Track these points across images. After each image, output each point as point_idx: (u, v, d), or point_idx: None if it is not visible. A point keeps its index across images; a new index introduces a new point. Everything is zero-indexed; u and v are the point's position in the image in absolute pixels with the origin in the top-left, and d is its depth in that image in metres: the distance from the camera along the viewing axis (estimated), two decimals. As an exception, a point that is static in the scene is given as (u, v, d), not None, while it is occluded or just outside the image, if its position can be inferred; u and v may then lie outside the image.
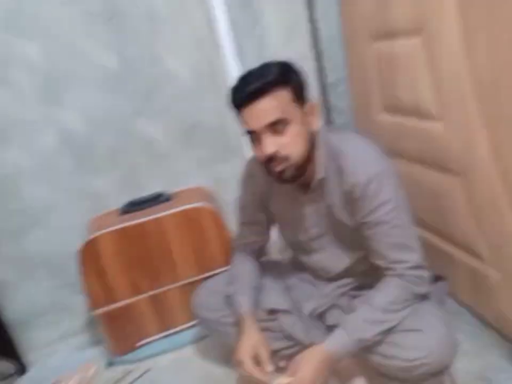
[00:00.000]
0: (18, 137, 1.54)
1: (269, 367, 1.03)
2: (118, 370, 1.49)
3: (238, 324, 1.15)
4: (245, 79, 0.96)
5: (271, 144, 0.95)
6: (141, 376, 1.43)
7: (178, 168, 1.74)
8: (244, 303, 1.16)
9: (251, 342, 1.07)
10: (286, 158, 0.97)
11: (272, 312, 1.20)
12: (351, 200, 1.02)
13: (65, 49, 1.52)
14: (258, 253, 1.31)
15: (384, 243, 1.00)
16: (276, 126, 0.95)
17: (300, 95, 0.98)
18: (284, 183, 1.04)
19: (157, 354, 1.52)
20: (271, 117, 0.94)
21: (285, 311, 1.19)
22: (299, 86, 0.99)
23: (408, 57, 1.27)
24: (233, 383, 1.26)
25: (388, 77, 1.41)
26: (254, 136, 0.98)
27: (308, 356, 0.99)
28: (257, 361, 1.05)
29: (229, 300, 1.21)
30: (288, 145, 0.96)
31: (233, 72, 1.61)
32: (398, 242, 1.00)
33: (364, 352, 1.01)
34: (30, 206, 1.61)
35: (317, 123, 1.02)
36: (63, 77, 1.54)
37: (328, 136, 1.08)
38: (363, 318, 0.98)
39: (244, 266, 1.27)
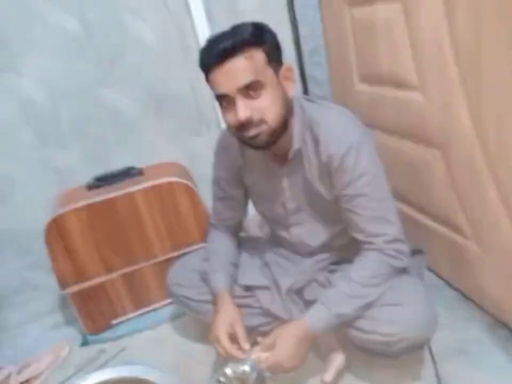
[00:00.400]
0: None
1: (246, 345, 1.01)
2: (93, 349, 1.45)
3: (214, 301, 1.12)
4: (216, 38, 0.90)
5: (245, 109, 0.89)
6: (116, 355, 1.40)
7: (148, 142, 1.67)
8: (220, 280, 1.13)
9: (227, 319, 1.05)
10: (260, 122, 0.92)
11: (250, 288, 1.18)
12: (328, 172, 0.99)
13: (20, 10, 1.39)
14: (235, 229, 1.27)
15: (363, 216, 0.98)
16: (250, 89, 0.89)
17: (274, 58, 0.92)
18: (257, 149, 1.00)
19: (133, 332, 1.49)
20: (245, 79, 0.88)
21: (263, 287, 1.17)
22: (274, 47, 0.93)
23: (387, 23, 1.22)
24: (211, 361, 1.25)
25: (366, 44, 1.35)
26: (226, 100, 0.92)
27: (287, 330, 0.97)
28: (233, 338, 1.03)
29: (205, 277, 1.18)
30: (263, 109, 0.91)
31: (204, 37, 1.51)
32: (377, 216, 0.97)
33: (343, 327, 1.00)
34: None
35: (293, 89, 0.97)
36: (17, 41, 1.42)
37: (303, 104, 1.03)
38: (342, 293, 0.97)
39: (220, 243, 1.23)
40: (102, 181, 1.50)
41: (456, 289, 1.33)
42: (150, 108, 1.62)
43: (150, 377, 0.99)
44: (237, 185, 1.19)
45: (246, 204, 1.25)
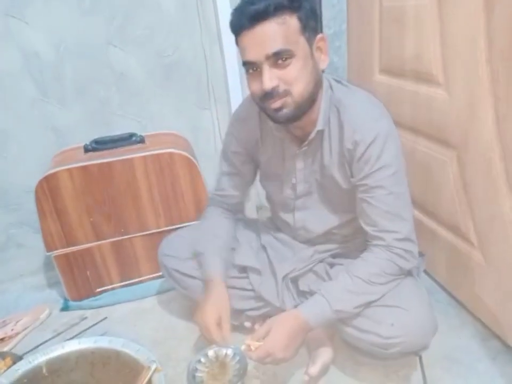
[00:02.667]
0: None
1: (228, 337, 0.99)
2: (74, 315, 1.41)
3: (206, 283, 1.09)
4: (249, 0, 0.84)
5: (271, 78, 0.84)
6: (96, 324, 1.36)
7: (153, 110, 1.60)
8: (215, 264, 1.09)
9: (216, 306, 1.02)
10: (286, 94, 0.87)
11: (244, 269, 1.15)
12: (350, 159, 0.95)
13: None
14: (235, 208, 1.23)
15: (378, 209, 0.94)
16: (279, 58, 0.84)
17: (309, 26, 0.86)
18: (279, 123, 0.95)
19: (116, 303, 1.45)
20: (275, 46, 0.82)
21: (256, 270, 1.13)
22: (310, 14, 0.86)
23: (418, 13, 1.16)
24: (193, 339, 1.22)
25: (392, 34, 1.29)
26: (252, 67, 0.87)
27: (282, 320, 0.93)
28: (219, 324, 1.00)
29: (199, 257, 1.14)
30: (290, 80, 0.86)
31: (224, 5, 1.45)
32: (391, 211, 0.93)
33: (338, 323, 0.96)
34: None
35: (325, 61, 0.91)
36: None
37: (332, 84, 0.98)
38: (345, 288, 0.93)
39: (219, 223, 1.19)
40: (101, 145, 1.43)
41: (450, 295, 1.30)
42: (158, 74, 1.56)
43: (127, 351, 0.96)
44: (248, 161, 1.14)
45: (251, 184, 1.21)
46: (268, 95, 0.87)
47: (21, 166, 1.52)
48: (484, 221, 1.08)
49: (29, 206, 1.36)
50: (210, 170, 1.23)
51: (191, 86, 1.60)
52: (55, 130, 1.53)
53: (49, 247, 1.39)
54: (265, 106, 0.91)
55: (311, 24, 0.87)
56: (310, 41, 0.87)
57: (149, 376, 0.88)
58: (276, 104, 0.88)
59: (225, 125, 1.17)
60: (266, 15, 0.81)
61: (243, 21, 0.83)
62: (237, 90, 1.59)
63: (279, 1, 0.81)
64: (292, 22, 0.83)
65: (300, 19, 0.84)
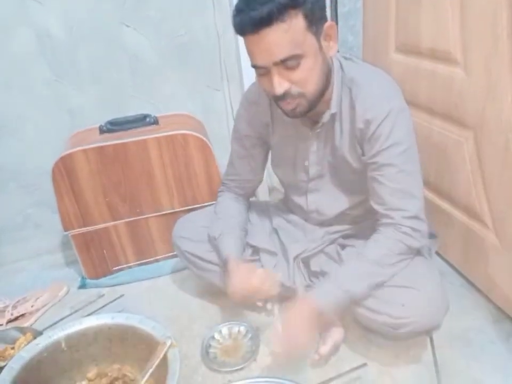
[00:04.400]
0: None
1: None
2: (91, 293, 1.45)
3: (224, 265, 1.09)
4: (248, 1, 0.80)
5: (281, 83, 0.84)
6: (113, 301, 1.39)
7: (165, 91, 1.60)
8: (230, 246, 1.09)
9: (247, 275, 1.00)
10: (300, 96, 0.87)
11: (256, 251, 1.16)
12: (361, 138, 0.94)
13: None
14: (248, 192, 1.24)
15: (387, 187, 0.93)
16: (288, 62, 0.82)
17: (316, 17, 0.83)
18: (295, 118, 0.95)
19: (132, 281, 1.48)
20: (282, 53, 0.80)
21: (269, 251, 1.14)
22: (316, 5, 0.82)
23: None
24: (206, 317, 1.25)
25: (409, 11, 1.26)
26: (261, 70, 0.86)
27: (296, 310, 0.93)
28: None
29: (213, 241, 1.14)
30: (301, 81, 0.85)
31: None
32: (401, 188, 0.93)
33: (351, 305, 0.97)
34: (2, 113, 1.47)
35: (334, 48, 0.89)
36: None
37: (342, 64, 0.96)
38: (355, 270, 0.94)
39: (232, 206, 1.19)
40: (115, 126, 1.44)
41: (463, 276, 1.30)
42: (171, 55, 1.55)
43: (144, 327, 0.98)
44: (260, 145, 1.14)
45: (263, 167, 1.20)
46: (280, 97, 0.86)
47: (37, 147, 1.54)
48: (499, 203, 1.07)
49: (46, 186, 1.38)
50: (223, 152, 1.23)
51: (204, 66, 1.59)
52: (70, 112, 1.54)
53: (66, 226, 1.41)
54: (279, 105, 0.91)
55: (317, 14, 0.83)
56: (317, 33, 0.84)
57: (164, 351, 0.90)
58: (290, 106, 0.88)
59: (237, 106, 1.16)
60: (270, 20, 0.77)
61: (246, 26, 0.80)
62: (250, 71, 1.57)
63: (281, 2, 0.77)
64: (297, 22, 0.80)
65: (305, 15, 0.80)
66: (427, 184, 1.34)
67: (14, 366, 0.92)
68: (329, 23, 0.87)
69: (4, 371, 0.91)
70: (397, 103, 0.91)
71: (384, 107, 0.90)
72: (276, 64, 0.82)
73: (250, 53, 0.85)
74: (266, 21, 0.77)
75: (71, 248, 1.48)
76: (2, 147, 1.51)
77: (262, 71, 0.86)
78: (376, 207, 0.97)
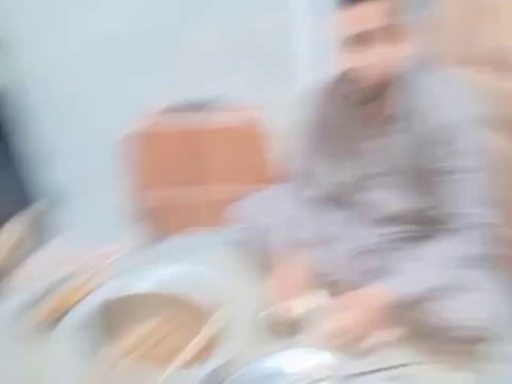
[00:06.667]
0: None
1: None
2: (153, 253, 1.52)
3: (274, 254, 1.12)
4: None
5: (366, 55, 0.88)
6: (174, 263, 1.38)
7: (230, 83, 1.65)
8: (281, 237, 1.13)
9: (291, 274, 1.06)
10: (377, 72, 0.90)
11: (304, 244, 1.17)
12: (431, 140, 0.94)
13: None
14: (303, 187, 1.24)
15: (458, 193, 0.94)
16: (377, 35, 0.87)
17: (403, 9, 0.89)
18: (359, 102, 0.98)
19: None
20: (377, 22, 0.86)
21: (317, 245, 1.16)
22: None
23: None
24: (259, 290, 1.21)
25: (469, 20, 1.25)
26: (349, 42, 0.89)
27: (363, 296, 0.94)
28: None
29: (263, 231, 1.18)
30: (381, 60, 0.88)
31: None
32: (472, 196, 0.93)
33: (408, 307, 0.96)
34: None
35: (417, 40, 0.93)
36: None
37: (418, 63, 0.98)
38: (417, 271, 0.94)
39: (285, 198, 1.22)
40: (180, 109, 1.53)
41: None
42: (237, 48, 1.61)
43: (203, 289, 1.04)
44: (317, 155, 1.14)
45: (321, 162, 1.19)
46: (359, 72, 0.91)
47: (106, 129, 1.62)
48: None
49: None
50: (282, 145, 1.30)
51: (269, 61, 1.64)
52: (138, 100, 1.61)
53: (134, 193, 1.53)
54: (349, 84, 0.94)
55: (404, 7, 0.89)
56: (402, 23, 0.90)
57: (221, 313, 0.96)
58: (365, 82, 0.92)
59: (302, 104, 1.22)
60: None
61: None
62: (313, 68, 1.59)
63: None
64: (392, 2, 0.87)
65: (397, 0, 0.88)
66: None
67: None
68: (413, 18, 0.92)
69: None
70: (474, 110, 0.92)
71: (461, 111, 0.91)
72: (367, 35, 0.88)
73: (344, 22, 0.89)
74: None
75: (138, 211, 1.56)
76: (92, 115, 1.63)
77: (350, 43, 0.89)
78: (442, 211, 0.97)
